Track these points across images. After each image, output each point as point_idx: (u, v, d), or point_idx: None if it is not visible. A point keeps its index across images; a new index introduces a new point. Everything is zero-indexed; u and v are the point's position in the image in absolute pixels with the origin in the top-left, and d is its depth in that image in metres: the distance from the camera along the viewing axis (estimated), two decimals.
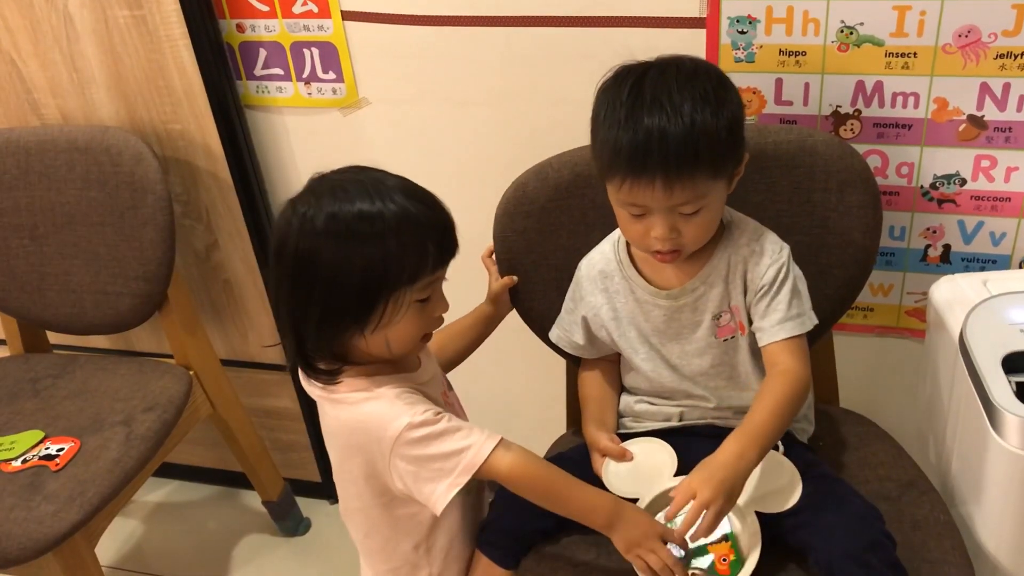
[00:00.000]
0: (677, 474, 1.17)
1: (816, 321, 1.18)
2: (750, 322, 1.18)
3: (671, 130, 1.03)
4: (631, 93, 1.06)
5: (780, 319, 1.15)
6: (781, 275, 1.15)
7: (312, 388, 1.13)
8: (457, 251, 1.09)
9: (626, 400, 1.30)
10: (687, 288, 1.18)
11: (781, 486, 1.13)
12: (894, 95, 1.32)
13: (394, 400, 1.07)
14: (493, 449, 1.06)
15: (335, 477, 1.18)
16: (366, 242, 1.01)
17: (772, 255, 1.16)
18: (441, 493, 1.06)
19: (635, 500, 1.14)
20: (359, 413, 1.08)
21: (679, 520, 1.06)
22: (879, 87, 1.32)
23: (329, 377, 1.09)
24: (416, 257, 1.03)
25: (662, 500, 1.14)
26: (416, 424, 1.05)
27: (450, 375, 1.30)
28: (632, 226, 1.12)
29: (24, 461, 1.47)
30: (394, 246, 1.02)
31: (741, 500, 1.08)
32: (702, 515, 1.03)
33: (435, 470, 1.05)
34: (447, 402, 1.21)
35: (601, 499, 1.11)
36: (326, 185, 1.05)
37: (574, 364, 1.37)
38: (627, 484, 1.17)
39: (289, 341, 1.09)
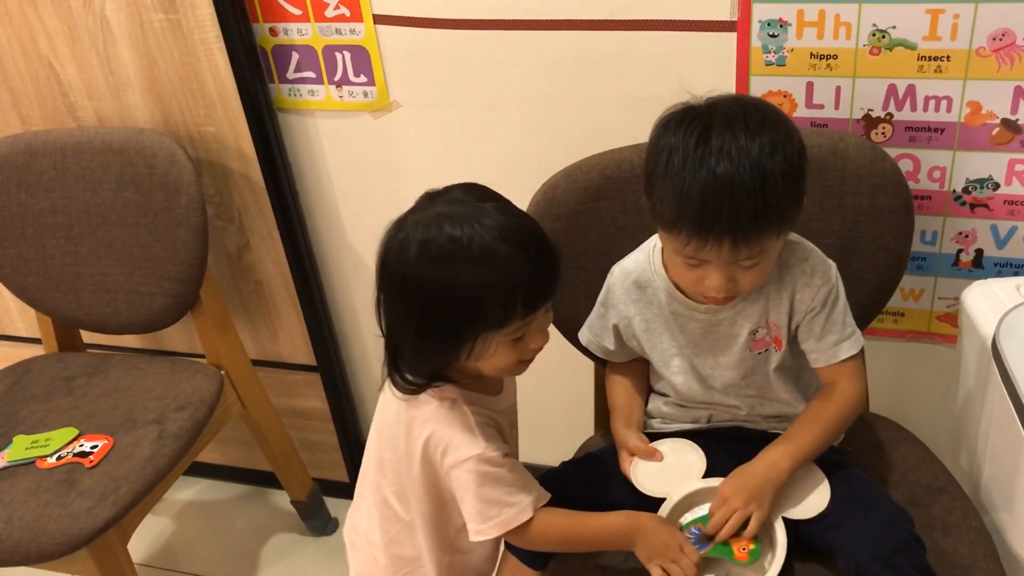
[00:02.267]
0: (706, 475, 1.17)
1: (863, 340, 1.18)
2: (791, 339, 1.18)
3: (742, 185, 0.98)
4: (699, 140, 1.00)
5: (836, 340, 1.15)
6: (833, 295, 1.15)
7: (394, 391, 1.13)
8: (555, 293, 1.05)
9: (655, 402, 1.29)
10: (727, 305, 1.16)
11: (809, 492, 1.12)
12: (926, 99, 1.31)
13: (475, 427, 1.08)
14: (531, 517, 1.07)
15: (373, 470, 1.19)
16: (456, 282, 1.00)
17: (823, 276, 1.14)
18: (472, 531, 1.08)
19: (663, 499, 1.14)
20: (438, 424, 1.09)
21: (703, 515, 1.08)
22: (911, 91, 1.31)
23: (412, 389, 1.10)
24: (502, 306, 1.00)
25: (689, 500, 1.14)
26: (485, 459, 1.06)
27: None
28: (687, 273, 1.09)
29: (59, 458, 1.49)
30: (479, 291, 0.99)
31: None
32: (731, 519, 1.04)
33: (477, 508, 1.07)
34: (511, 433, 1.21)
35: (617, 520, 1.11)
36: (431, 211, 1.04)
37: (601, 366, 1.37)
38: (655, 483, 1.17)
39: (387, 350, 1.10)
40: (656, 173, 1.05)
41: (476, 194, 1.06)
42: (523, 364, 1.10)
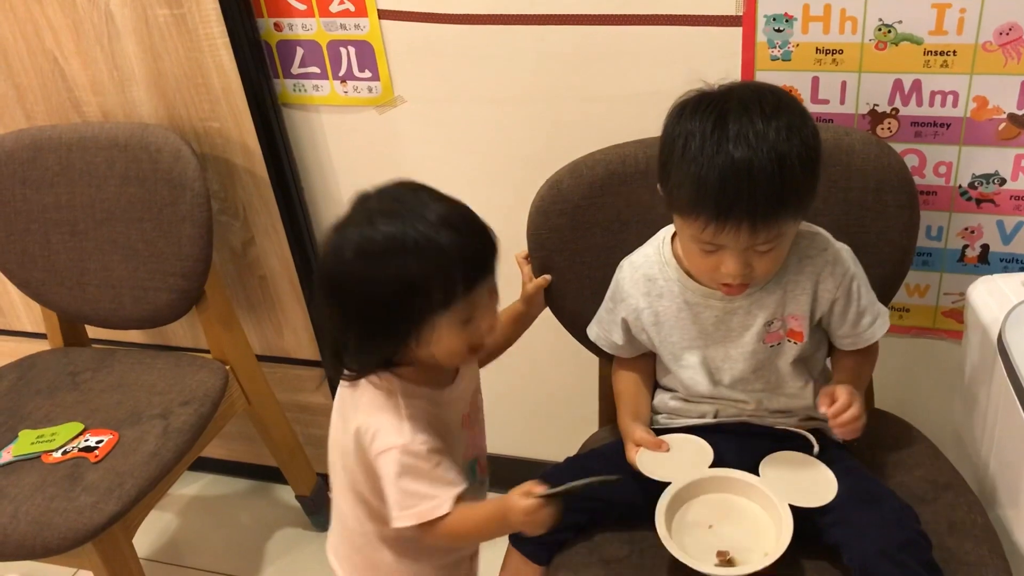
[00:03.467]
0: (712, 467, 1.17)
1: (887, 310, 1.22)
2: (814, 329, 1.19)
3: (761, 169, 0.99)
4: (716, 125, 1.01)
5: (871, 321, 1.19)
6: (856, 282, 1.17)
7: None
8: (492, 268, 1.07)
9: (660, 397, 1.29)
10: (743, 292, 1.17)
11: (817, 484, 1.13)
12: (932, 94, 1.31)
13: (405, 418, 1.09)
14: (447, 512, 1.07)
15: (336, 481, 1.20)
16: (389, 269, 1.01)
17: (844, 264, 1.16)
18: (391, 517, 1.09)
19: (667, 484, 1.14)
20: (370, 412, 1.10)
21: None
22: (917, 86, 1.31)
23: (353, 376, 1.11)
24: (443, 287, 1.01)
25: (694, 488, 1.15)
26: (408, 451, 1.07)
27: (482, 372, 1.30)
28: (703, 260, 1.10)
29: (64, 452, 1.49)
30: (417, 274, 1.01)
31: (775, 493, 1.10)
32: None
33: (395, 498, 1.08)
34: (466, 425, 1.21)
35: (492, 505, 1.10)
36: (362, 209, 1.06)
37: (608, 362, 1.37)
38: (660, 469, 1.17)
39: (327, 351, 1.10)
40: (672, 159, 1.05)
41: (406, 188, 1.08)
42: (474, 351, 1.10)
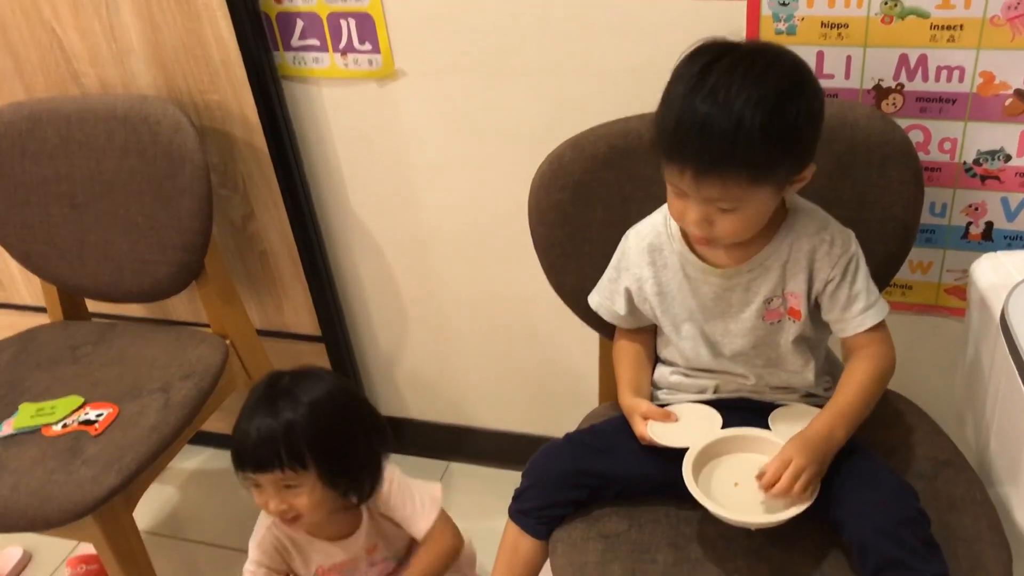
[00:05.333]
0: (724, 428, 1.18)
1: (888, 305, 1.18)
2: (812, 309, 1.18)
3: (715, 126, 1.01)
4: (696, 75, 1.04)
5: (863, 308, 1.16)
6: (853, 265, 1.15)
7: None
8: (251, 466, 1.29)
9: (661, 371, 1.29)
10: (742, 270, 1.17)
11: None
12: (939, 69, 1.30)
13: (260, 540, 1.42)
14: None
15: None
16: None
17: (842, 245, 1.15)
18: None
19: (685, 449, 1.14)
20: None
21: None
22: (923, 60, 1.30)
23: None
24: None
25: (713, 449, 1.15)
26: (251, 556, 1.43)
27: (485, 348, 1.30)
28: (674, 201, 1.12)
29: (64, 426, 1.49)
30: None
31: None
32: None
33: None
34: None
35: None
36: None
37: (608, 337, 1.36)
38: (676, 437, 1.18)
39: None
40: (662, 97, 1.09)
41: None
42: (284, 518, 1.33)
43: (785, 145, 1.04)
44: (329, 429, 1.28)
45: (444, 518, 1.44)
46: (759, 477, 1.09)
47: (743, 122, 1.00)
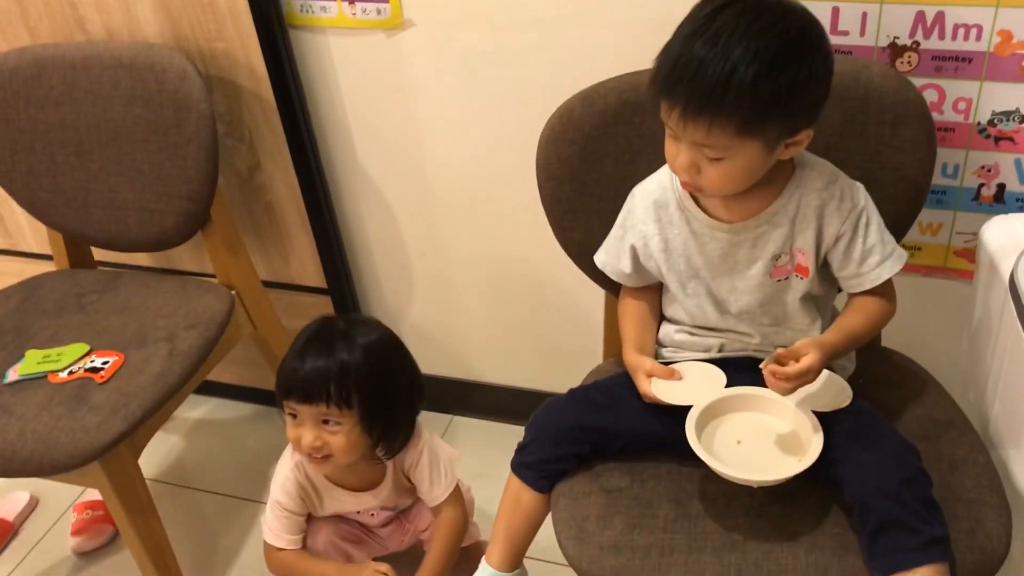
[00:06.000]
0: (728, 387, 1.18)
1: (905, 253, 1.19)
2: (821, 265, 1.17)
3: (708, 70, 1.01)
4: (704, 18, 1.04)
5: (879, 260, 1.16)
6: (864, 218, 1.15)
7: None
8: (299, 397, 1.31)
9: (666, 329, 1.29)
10: (749, 225, 1.16)
11: (832, 390, 1.15)
12: (955, 27, 1.28)
13: (285, 480, 1.45)
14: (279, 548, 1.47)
15: None
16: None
17: (851, 199, 1.14)
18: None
19: (689, 407, 1.15)
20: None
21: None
22: (940, 18, 1.27)
23: None
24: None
25: (716, 408, 1.16)
26: (273, 499, 1.46)
27: (491, 303, 1.30)
28: (668, 144, 1.12)
29: (70, 373, 1.50)
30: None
31: (795, 400, 1.13)
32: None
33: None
34: (356, 539, 1.54)
35: (338, 568, 1.46)
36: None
37: (613, 293, 1.36)
38: (678, 394, 1.18)
39: None
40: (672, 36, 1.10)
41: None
42: (312, 457, 1.35)
43: (776, 102, 1.03)
44: (379, 374, 1.32)
45: (457, 491, 1.48)
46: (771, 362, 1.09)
47: (736, 71, 1.00)
